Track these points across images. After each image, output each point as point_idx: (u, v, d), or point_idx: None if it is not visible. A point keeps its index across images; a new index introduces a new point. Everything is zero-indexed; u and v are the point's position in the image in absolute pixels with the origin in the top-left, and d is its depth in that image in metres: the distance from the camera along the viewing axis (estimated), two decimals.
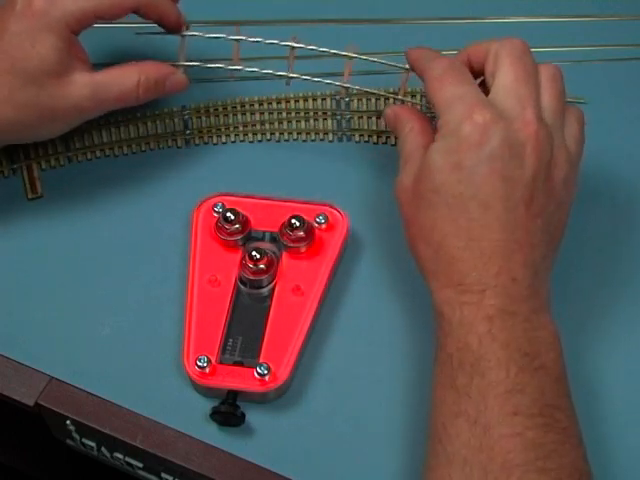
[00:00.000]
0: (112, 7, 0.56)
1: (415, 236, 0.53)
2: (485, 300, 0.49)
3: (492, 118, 0.50)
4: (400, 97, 0.62)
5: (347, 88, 0.62)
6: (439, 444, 0.49)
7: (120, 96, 0.58)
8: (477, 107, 0.51)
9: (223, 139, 0.65)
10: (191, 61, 0.61)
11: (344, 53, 0.60)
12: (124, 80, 0.57)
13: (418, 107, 0.64)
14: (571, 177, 0.53)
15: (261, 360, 0.55)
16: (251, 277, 0.57)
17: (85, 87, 0.56)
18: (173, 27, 0.60)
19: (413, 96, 0.65)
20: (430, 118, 0.57)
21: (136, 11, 0.58)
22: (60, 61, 0.55)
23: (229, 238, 0.58)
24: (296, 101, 0.66)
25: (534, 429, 0.47)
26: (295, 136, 0.65)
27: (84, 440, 0.58)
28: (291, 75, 0.61)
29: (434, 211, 0.52)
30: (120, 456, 0.58)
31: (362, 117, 0.65)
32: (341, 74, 0.61)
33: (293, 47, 0.60)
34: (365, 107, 0.65)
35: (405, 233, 0.55)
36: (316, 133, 0.65)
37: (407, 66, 0.59)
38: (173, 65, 0.60)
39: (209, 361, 0.54)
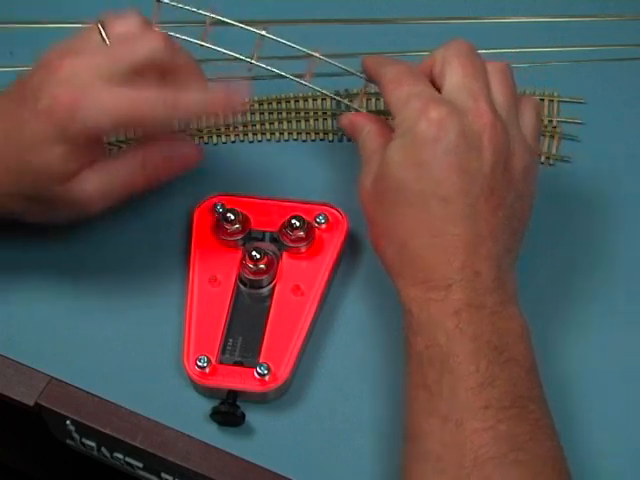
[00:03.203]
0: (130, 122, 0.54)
1: (378, 236, 0.53)
2: (451, 295, 0.49)
3: (447, 113, 0.50)
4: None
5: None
6: (413, 443, 0.49)
7: (125, 187, 0.55)
8: (432, 104, 0.51)
9: (223, 139, 0.65)
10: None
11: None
12: (128, 168, 0.55)
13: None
14: (531, 167, 0.53)
15: (261, 360, 0.55)
16: (251, 277, 0.57)
17: (90, 185, 0.54)
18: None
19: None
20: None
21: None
22: (66, 170, 0.53)
23: (229, 238, 0.58)
24: (296, 101, 0.66)
25: (506, 421, 0.47)
26: (295, 136, 0.65)
27: (84, 440, 0.58)
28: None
29: (396, 209, 0.52)
30: (120, 456, 0.58)
31: None
32: (344, 74, 0.61)
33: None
34: (365, 107, 0.65)
35: (369, 234, 0.55)
36: (316, 133, 0.65)
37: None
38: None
39: (209, 361, 0.54)
